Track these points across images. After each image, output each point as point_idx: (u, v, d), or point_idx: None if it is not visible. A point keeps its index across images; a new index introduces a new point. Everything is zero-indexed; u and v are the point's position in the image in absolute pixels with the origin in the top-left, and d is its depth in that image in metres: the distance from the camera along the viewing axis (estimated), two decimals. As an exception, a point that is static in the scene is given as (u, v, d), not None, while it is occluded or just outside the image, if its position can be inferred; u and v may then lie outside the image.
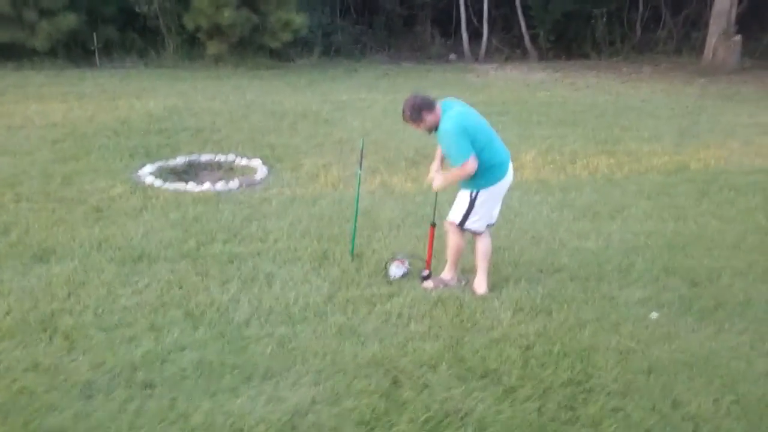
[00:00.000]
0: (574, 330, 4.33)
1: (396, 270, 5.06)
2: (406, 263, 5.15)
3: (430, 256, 5.07)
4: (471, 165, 4.43)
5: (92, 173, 7.35)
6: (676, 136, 10.03)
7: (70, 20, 15.13)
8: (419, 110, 4.51)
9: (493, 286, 4.89)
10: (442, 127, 4.50)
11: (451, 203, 4.82)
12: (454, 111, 4.54)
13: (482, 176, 4.56)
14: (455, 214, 4.73)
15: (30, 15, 14.73)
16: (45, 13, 14.98)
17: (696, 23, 21.04)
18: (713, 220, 6.54)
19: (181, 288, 4.76)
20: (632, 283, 5.09)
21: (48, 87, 12.61)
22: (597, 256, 5.55)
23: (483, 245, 4.83)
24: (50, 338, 4.05)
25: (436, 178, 4.76)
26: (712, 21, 18.35)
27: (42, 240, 5.50)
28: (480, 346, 4.10)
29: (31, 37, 14.95)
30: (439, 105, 4.57)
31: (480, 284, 4.85)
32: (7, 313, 4.31)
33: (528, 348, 4.10)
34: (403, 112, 4.58)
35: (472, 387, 3.69)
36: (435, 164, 4.87)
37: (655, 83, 15.81)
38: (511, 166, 4.74)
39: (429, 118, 4.53)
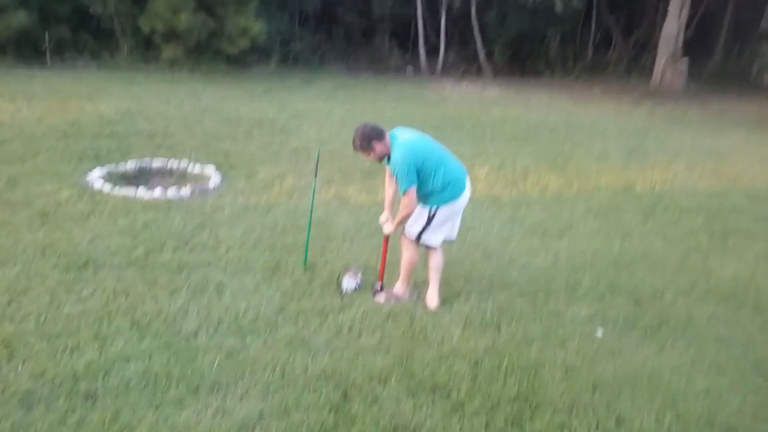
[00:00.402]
0: (521, 346, 4.39)
1: (348, 283, 5.05)
2: (359, 275, 5.15)
3: (383, 267, 5.08)
4: (410, 195, 4.55)
5: (39, 176, 7.16)
6: (625, 155, 10.32)
7: (20, 18, 14.76)
8: (369, 140, 4.60)
9: (444, 300, 4.93)
10: (393, 158, 4.60)
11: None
12: (401, 139, 4.63)
13: (440, 193, 4.64)
14: (412, 229, 4.77)
15: (-22, 11, 14.33)
16: (-6, 9, 14.59)
17: (645, 45, 21.75)
18: (658, 240, 6.74)
19: (127, 297, 4.66)
20: (579, 300, 5.20)
21: (-6, 85, 12.25)
22: (545, 273, 5.65)
23: (436, 260, 4.88)
24: (-11, 346, 3.91)
25: (386, 226, 4.92)
26: (660, 44, 19.00)
27: (-17, 244, 5.33)
28: (430, 360, 4.13)
29: (-21, 34, 14.54)
30: (388, 134, 4.66)
31: (432, 298, 4.88)
32: (-57, 320, 4.15)
33: (477, 363, 4.14)
34: (354, 141, 4.67)
35: (421, 401, 3.71)
36: (385, 214, 5.00)
37: (606, 103, 16.24)
38: (468, 182, 4.81)
39: (378, 148, 4.63)
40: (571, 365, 4.20)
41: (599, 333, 4.66)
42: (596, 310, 5.01)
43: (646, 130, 12.84)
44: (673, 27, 18.52)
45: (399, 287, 4.98)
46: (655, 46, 19.61)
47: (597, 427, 3.60)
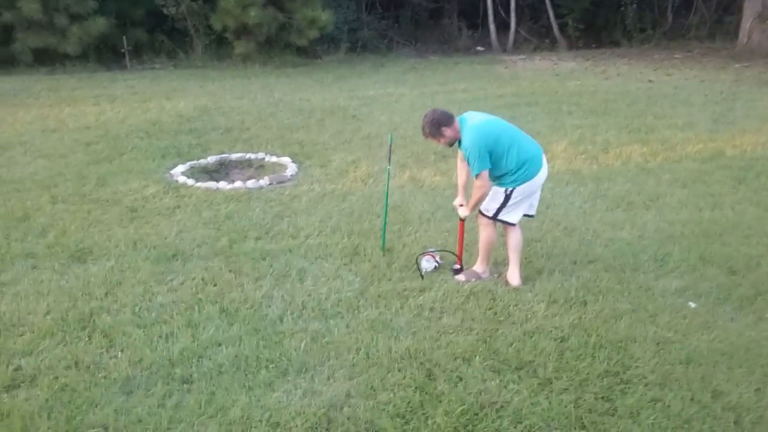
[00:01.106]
0: (609, 321, 4.28)
1: (427, 264, 5.06)
2: (437, 257, 5.14)
3: (461, 249, 5.05)
4: (483, 178, 4.52)
5: (126, 174, 7.47)
6: (711, 123, 9.84)
7: (100, 24, 15.41)
8: (438, 125, 4.58)
9: (525, 279, 4.85)
10: (463, 142, 4.57)
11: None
12: (471, 123, 4.59)
13: (515, 173, 4.58)
14: (488, 207, 4.72)
15: (61, 20, 15.03)
16: (75, 17, 15.27)
17: (729, 7, 20.62)
18: (751, 207, 6.40)
19: (215, 285, 4.81)
20: (669, 272, 5.01)
21: (80, 90, 12.85)
22: (632, 246, 5.48)
23: (515, 237, 4.80)
24: (89, 336, 4.12)
25: (461, 210, 4.92)
26: (746, 4, 17.96)
27: (79, 240, 5.60)
28: (514, 338, 4.08)
29: (63, 42, 15.25)
30: (457, 119, 4.62)
31: (513, 276, 4.82)
32: (47, 313, 4.40)
33: (563, 340, 4.07)
34: (423, 128, 4.67)
35: (507, 379, 3.67)
36: (459, 198, 4.99)
37: (688, 70, 15.52)
38: (545, 160, 4.72)
39: (448, 133, 4.60)
40: (663, 339, 4.06)
41: (692, 305, 4.49)
42: (687, 283, 4.82)
43: (733, 94, 12.20)
44: (758, -15, 17.53)
45: (478, 266, 4.94)
46: (740, 7, 18.57)
47: (692, 401, 3.48)
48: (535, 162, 4.63)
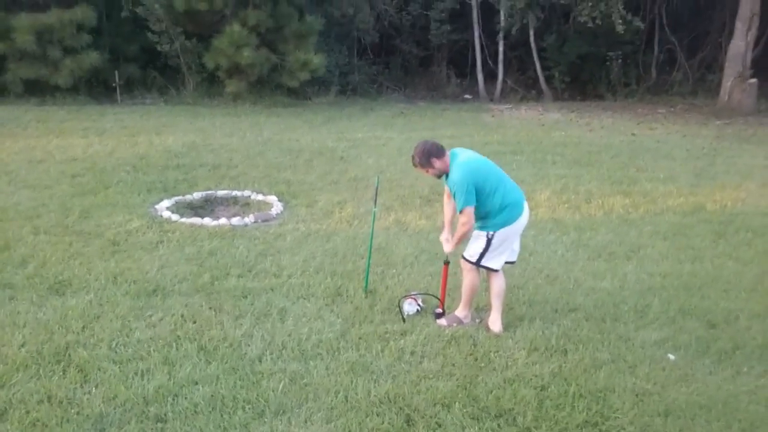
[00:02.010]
0: (589, 371, 4.28)
1: (409, 307, 5.05)
2: (420, 300, 5.14)
3: (444, 294, 5.06)
4: (468, 214, 4.56)
5: (110, 207, 7.44)
6: (692, 177, 10.01)
7: (93, 58, 15.50)
8: (428, 156, 4.65)
9: (507, 325, 4.85)
10: (451, 176, 4.64)
11: (464, 242, 4.82)
12: (461, 159, 4.66)
13: (497, 216, 4.62)
14: (471, 253, 4.74)
15: (54, 53, 15.11)
16: (69, 50, 15.36)
17: (711, 66, 21.17)
18: (730, 262, 6.48)
19: (194, 322, 4.77)
20: (648, 324, 5.03)
21: (69, 122, 12.86)
22: (612, 297, 5.51)
23: (497, 284, 4.82)
24: (64, 371, 4.05)
25: (446, 245, 4.96)
26: (727, 64, 18.45)
27: (58, 272, 5.55)
28: (494, 385, 4.06)
29: (55, 74, 15.30)
30: (448, 152, 4.69)
31: (494, 322, 4.82)
32: (22, 345, 4.33)
33: (543, 388, 4.05)
34: (413, 157, 4.74)
35: (486, 427, 3.65)
36: (444, 233, 5.02)
37: (671, 125, 15.84)
38: (526, 205, 4.77)
39: (437, 164, 4.67)
40: (642, 390, 4.06)
41: (671, 358, 4.50)
42: (667, 334, 4.84)
43: (714, 150, 12.44)
44: (740, 46, 17.99)
45: (461, 311, 4.94)
46: (722, 66, 19.06)
47: (671, 455, 3.47)
48: (517, 206, 4.69)
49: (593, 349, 4.57)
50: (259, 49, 16.11)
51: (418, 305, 5.09)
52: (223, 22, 16.20)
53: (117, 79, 16.22)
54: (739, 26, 18.14)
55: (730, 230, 7.43)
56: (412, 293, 5.25)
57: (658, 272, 6.12)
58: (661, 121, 16.52)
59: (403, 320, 4.90)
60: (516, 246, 4.88)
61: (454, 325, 4.85)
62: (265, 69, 16.50)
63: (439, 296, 5.08)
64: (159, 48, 16.78)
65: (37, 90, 15.47)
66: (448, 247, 4.93)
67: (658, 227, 7.49)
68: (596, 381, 4.15)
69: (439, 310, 5.00)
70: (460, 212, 4.59)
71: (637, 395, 4.01)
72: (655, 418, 3.78)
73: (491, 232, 4.65)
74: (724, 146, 12.95)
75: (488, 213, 4.63)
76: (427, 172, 4.73)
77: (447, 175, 4.69)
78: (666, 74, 21.77)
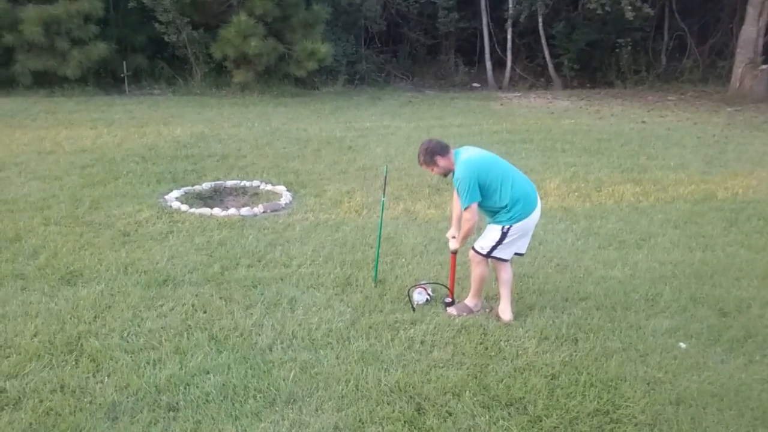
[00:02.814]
0: (600, 360, 4.27)
1: (418, 296, 5.05)
2: (429, 290, 5.13)
3: (453, 283, 5.05)
4: (472, 211, 4.56)
5: (120, 198, 7.46)
6: (703, 165, 9.94)
7: (100, 49, 15.51)
8: (432, 154, 4.66)
9: (517, 314, 4.85)
10: (455, 173, 4.64)
11: (474, 230, 4.80)
12: (465, 156, 4.66)
13: (511, 210, 4.61)
14: (482, 245, 4.73)
15: (62, 44, 15.12)
16: (77, 42, 15.37)
17: (722, 52, 20.97)
18: (742, 250, 6.44)
19: (205, 312, 4.79)
20: (659, 312, 5.02)
21: (78, 113, 12.89)
22: (623, 285, 5.49)
23: (505, 273, 4.82)
24: (76, 360, 4.08)
25: (452, 242, 4.99)
26: (738, 50, 18.27)
27: (70, 263, 5.58)
28: (505, 374, 4.06)
29: (63, 65, 15.32)
30: (452, 151, 4.70)
31: (504, 311, 4.81)
32: (35, 335, 4.36)
33: (554, 377, 4.05)
34: (418, 156, 4.76)
35: (496, 416, 3.65)
36: (452, 230, 5.04)
37: (681, 112, 15.72)
38: (539, 199, 4.77)
39: (442, 163, 4.67)
40: (653, 379, 4.05)
41: (682, 346, 4.49)
42: (678, 323, 4.82)
43: (725, 138, 12.35)
44: (751, 32, 17.80)
45: (470, 300, 4.94)
46: (733, 53, 18.89)
47: (683, 444, 3.46)
48: (530, 199, 4.67)
49: (604, 338, 4.55)
50: (266, 39, 16.07)
51: (428, 294, 5.09)
52: (229, 11, 16.17)
53: (125, 70, 16.24)
54: (751, 11, 17.94)
55: (742, 218, 7.38)
56: (422, 282, 5.25)
57: (669, 260, 6.09)
58: (672, 108, 16.39)
59: (413, 309, 4.91)
60: (527, 240, 4.87)
61: (464, 314, 4.85)
62: (272, 59, 16.46)
63: (448, 285, 5.08)
64: (166, 38, 16.77)
65: (45, 81, 15.51)
66: (453, 245, 4.94)
67: (668, 215, 7.45)
68: (607, 370, 4.14)
69: (449, 299, 5.00)
70: (465, 209, 4.58)
71: (648, 384, 4.00)
72: (666, 407, 3.77)
73: (506, 226, 4.63)
74: (735, 133, 12.85)
75: (500, 208, 4.62)
76: (432, 170, 4.74)
77: (453, 173, 4.68)
78: (676, 61, 21.58)
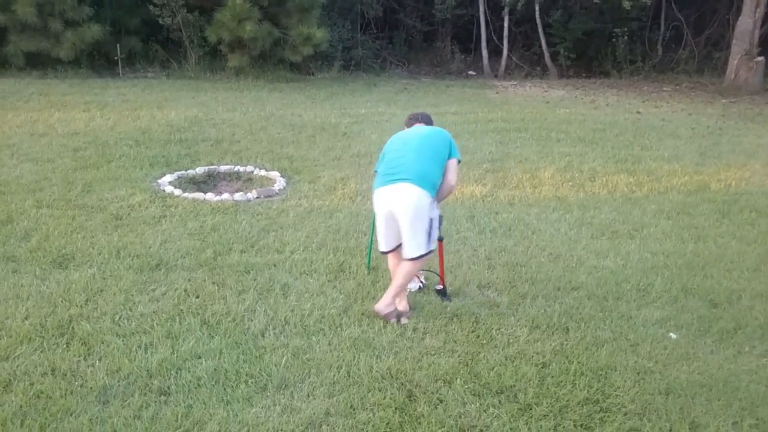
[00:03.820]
0: (591, 349, 4.29)
1: (411, 284, 5.05)
2: (422, 277, 5.14)
3: (443, 270, 5.05)
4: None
5: (112, 181, 7.43)
6: (697, 156, 9.96)
7: (94, 31, 15.36)
8: (427, 120, 5.14)
9: (509, 303, 4.87)
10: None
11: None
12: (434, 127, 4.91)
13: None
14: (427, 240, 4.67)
15: (56, 25, 14.97)
16: (70, 23, 15.22)
17: (718, 43, 20.97)
18: (733, 241, 6.47)
19: (197, 297, 4.78)
20: (651, 302, 5.04)
21: (71, 96, 12.78)
22: (615, 275, 5.51)
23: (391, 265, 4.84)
24: (67, 343, 4.07)
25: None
26: (734, 41, 18.27)
27: (61, 246, 5.55)
28: (496, 362, 4.08)
29: (56, 47, 15.18)
30: (417, 125, 5.03)
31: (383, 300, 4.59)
32: (26, 318, 4.34)
33: (544, 366, 4.07)
34: (417, 116, 5.23)
35: (487, 403, 3.67)
36: None
37: (676, 103, 15.73)
38: (387, 191, 4.50)
39: None
40: (643, 369, 4.08)
41: (673, 336, 4.51)
42: (669, 313, 4.85)
43: (720, 129, 12.37)
44: (747, 23, 17.79)
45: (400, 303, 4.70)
46: (729, 44, 18.88)
47: (671, 431, 3.49)
48: (378, 180, 4.66)
49: (595, 328, 4.58)
50: (261, 23, 15.95)
51: (421, 282, 5.10)
52: (225, -6, 16.06)
53: (119, 53, 16.10)
54: (747, 3, 17.94)
55: (734, 209, 7.41)
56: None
57: (661, 251, 6.12)
58: (667, 99, 16.40)
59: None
60: (387, 233, 4.63)
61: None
62: (267, 43, 16.35)
63: (438, 273, 5.08)
64: (161, 21, 16.62)
65: (38, 63, 15.37)
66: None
67: (661, 206, 7.47)
68: (597, 359, 4.16)
69: (440, 287, 5.01)
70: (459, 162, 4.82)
71: (638, 373, 4.03)
72: (656, 396, 3.80)
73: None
74: (730, 125, 12.88)
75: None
76: None
77: None
78: (672, 52, 21.56)
